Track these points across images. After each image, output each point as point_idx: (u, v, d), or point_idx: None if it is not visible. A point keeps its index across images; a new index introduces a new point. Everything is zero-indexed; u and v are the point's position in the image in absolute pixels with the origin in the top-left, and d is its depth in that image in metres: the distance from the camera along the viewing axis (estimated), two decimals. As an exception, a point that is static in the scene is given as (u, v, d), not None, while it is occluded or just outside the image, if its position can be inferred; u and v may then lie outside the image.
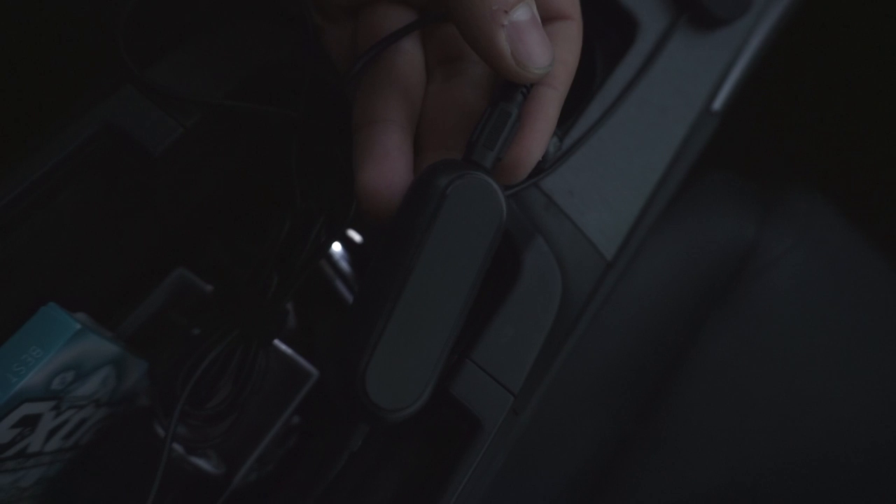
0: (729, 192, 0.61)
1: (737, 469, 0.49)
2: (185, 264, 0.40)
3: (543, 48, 0.23)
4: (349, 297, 0.43)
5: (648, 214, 0.41)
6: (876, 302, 0.58)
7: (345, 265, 0.44)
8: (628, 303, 0.51)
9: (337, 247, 0.44)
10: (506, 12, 0.22)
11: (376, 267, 0.22)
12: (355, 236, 0.45)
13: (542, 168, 0.37)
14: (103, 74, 0.31)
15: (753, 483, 0.49)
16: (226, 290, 0.31)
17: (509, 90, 0.24)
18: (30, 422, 0.29)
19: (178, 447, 0.35)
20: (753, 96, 0.55)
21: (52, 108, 0.31)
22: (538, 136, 0.25)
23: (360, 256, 0.44)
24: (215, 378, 0.29)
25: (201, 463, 0.36)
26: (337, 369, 0.21)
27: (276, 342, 0.40)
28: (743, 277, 0.56)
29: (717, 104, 0.45)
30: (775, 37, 0.49)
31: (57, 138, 0.29)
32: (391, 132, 0.25)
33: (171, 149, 0.30)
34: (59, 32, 0.37)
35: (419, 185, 0.22)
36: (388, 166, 0.24)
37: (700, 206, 0.58)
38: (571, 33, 0.26)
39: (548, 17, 0.26)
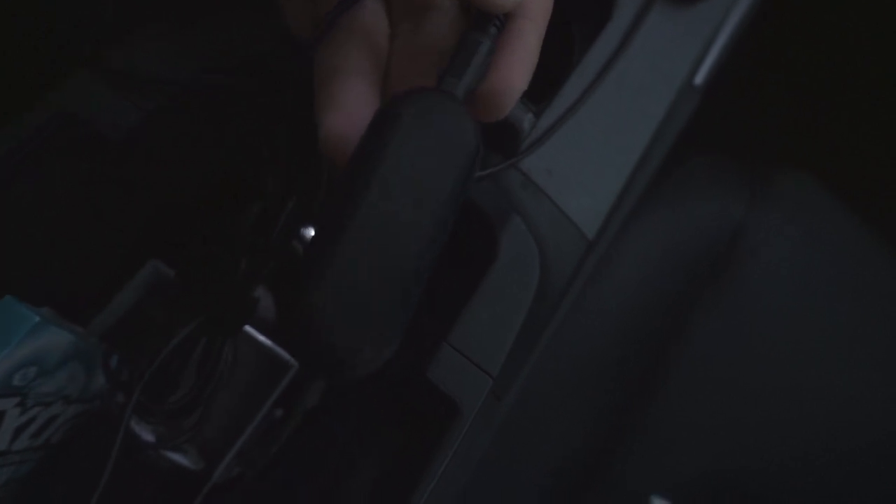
0: (715, 173, 0.60)
1: (724, 457, 0.49)
2: (159, 256, 0.39)
3: None
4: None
5: (631, 192, 0.40)
6: (868, 284, 0.57)
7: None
8: (613, 288, 0.50)
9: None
10: None
11: (331, 202, 0.19)
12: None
13: (520, 149, 0.36)
14: (60, 60, 0.30)
15: (740, 472, 0.48)
16: (189, 275, 0.30)
17: (481, 22, 0.23)
18: (-8, 419, 0.28)
19: (151, 441, 0.34)
20: (737, 73, 0.54)
21: (6, 97, 0.30)
22: (517, 63, 0.23)
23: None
24: (177, 370, 0.28)
25: (178, 458, 0.36)
26: (287, 312, 0.18)
27: (254, 332, 0.39)
28: (731, 260, 0.56)
29: (699, 79, 0.44)
30: (758, 9, 0.48)
31: (9, 127, 0.28)
32: (356, 82, 0.24)
33: (132, 134, 0.30)
34: (16, 17, 0.36)
35: (378, 115, 0.21)
36: (354, 112, 0.23)
37: (685, 188, 0.57)
38: None
39: None
